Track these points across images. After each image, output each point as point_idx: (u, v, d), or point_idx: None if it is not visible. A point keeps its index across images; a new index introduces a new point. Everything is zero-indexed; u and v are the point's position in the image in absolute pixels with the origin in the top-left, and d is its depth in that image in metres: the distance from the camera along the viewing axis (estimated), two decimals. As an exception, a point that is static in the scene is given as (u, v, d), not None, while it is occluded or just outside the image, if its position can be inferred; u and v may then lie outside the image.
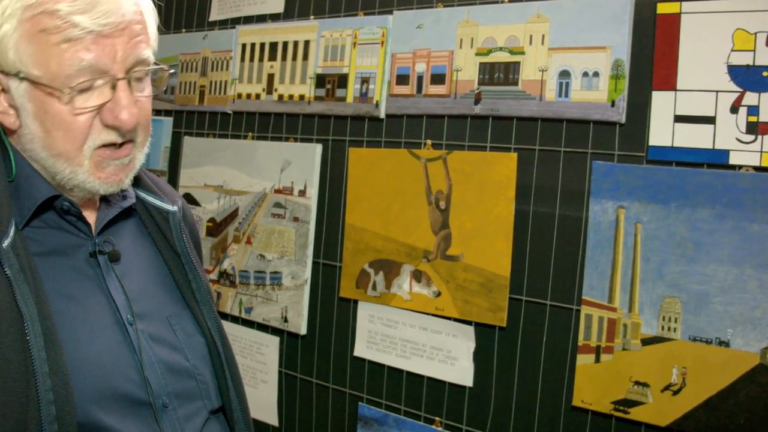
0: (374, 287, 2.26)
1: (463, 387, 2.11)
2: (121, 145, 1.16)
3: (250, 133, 2.64)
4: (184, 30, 2.90)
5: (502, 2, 2.03)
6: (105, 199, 1.25)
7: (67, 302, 1.13)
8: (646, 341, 1.77)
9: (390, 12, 2.26)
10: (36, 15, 1.06)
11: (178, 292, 1.32)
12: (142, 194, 1.32)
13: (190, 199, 2.76)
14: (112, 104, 1.11)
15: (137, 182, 1.32)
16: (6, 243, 1.07)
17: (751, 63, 1.65)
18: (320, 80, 2.41)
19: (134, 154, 1.19)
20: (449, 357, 2.12)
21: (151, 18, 1.19)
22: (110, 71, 1.10)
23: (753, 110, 1.65)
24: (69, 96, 1.09)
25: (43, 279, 1.10)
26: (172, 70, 1.19)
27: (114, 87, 1.11)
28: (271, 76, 2.55)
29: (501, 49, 2.01)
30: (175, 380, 1.22)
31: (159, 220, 1.33)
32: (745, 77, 1.66)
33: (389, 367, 2.27)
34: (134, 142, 1.18)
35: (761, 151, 1.65)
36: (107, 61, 1.09)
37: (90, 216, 1.23)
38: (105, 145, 1.14)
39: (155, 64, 1.18)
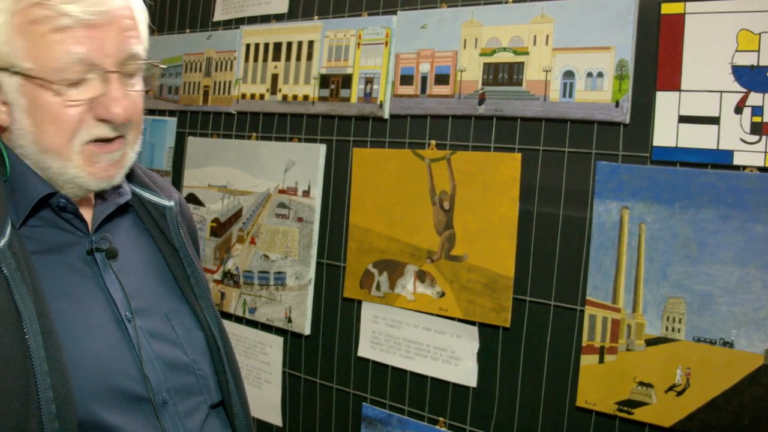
0: (378, 287, 2.26)
1: (466, 387, 2.11)
2: (111, 140, 1.16)
3: (254, 134, 2.64)
4: (188, 30, 2.90)
5: (506, 2, 2.03)
6: (100, 196, 1.25)
7: (66, 300, 1.13)
8: (650, 342, 1.77)
9: (394, 12, 2.27)
10: (27, 7, 1.07)
11: (177, 287, 1.32)
12: (138, 190, 1.32)
13: (194, 199, 2.77)
14: (104, 97, 1.12)
15: (133, 178, 1.32)
16: (3, 242, 1.07)
17: (755, 63, 1.65)
18: (324, 80, 2.41)
19: (125, 150, 1.20)
20: (453, 357, 2.12)
21: (142, 16, 1.20)
22: (102, 64, 1.11)
23: (757, 110, 1.65)
24: (60, 88, 1.10)
25: (40, 277, 1.10)
26: (163, 66, 1.20)
27: (106, 80, 1.12)
28: (275, 77, 2.56)
29: (505, 49, 2.01)
30: (175, 376, 1.22)
31: (156, 215, 1.33)
32: (750, 77, 1.66)
33: (393, 368, 2.27)
34: (125, 138, 1.18)
35: (765, 152, 1.65)
36: (98, 54, 1.10)
37: (86, 213, 1.23)
38: (96, 140, 1.14)
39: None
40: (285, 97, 2.52)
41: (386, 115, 2.27)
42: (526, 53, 1.97)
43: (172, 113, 2.94)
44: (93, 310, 1.16)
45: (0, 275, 1.05)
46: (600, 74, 1.85)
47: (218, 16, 2.81)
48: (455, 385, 2.14)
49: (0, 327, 1.02)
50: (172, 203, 1.34)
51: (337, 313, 2.41)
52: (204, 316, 1.32)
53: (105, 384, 1.12)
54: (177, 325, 1.27)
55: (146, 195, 1.33)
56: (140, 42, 1.17)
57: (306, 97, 2.46)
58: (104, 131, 1.14)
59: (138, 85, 1.19)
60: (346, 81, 2.35)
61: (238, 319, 2.65)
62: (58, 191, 1.16)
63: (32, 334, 1.03)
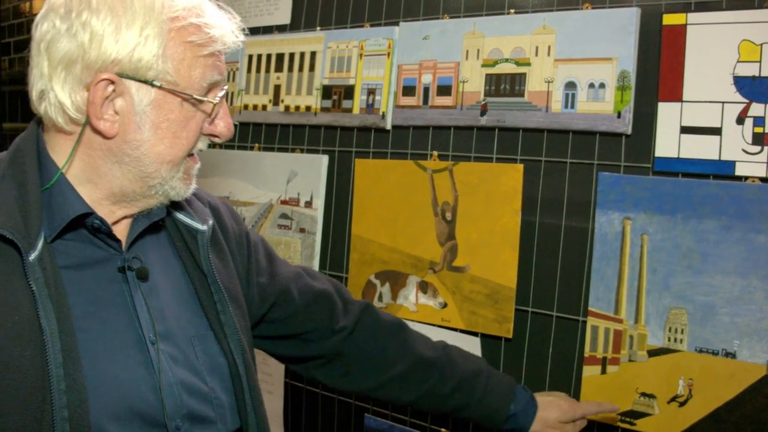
0: (380, 298, 2.26)
1: (469, 398, 2.10)
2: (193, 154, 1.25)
3: (256, 144, 2.65)
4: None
5: (508, 14, 2.04)
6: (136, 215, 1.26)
7: (91, 318, 1.13)
8: (653, 352, 1.77)
9: (396, 23, 2.27)
10: (185, 26, 1.14)
11: (203, 313, 1.31)
12: (173, 211, 1.32)
13: (196, 209, 2.77)
14: (216, 117, 1.24)
15: None
16: (33, 256, 1.07)
17: (757, 74, 1.65)
18: (326, 91, 2.42)
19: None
20: (455, 368, 2.11)
21: None
22: (222, 88, 1.23)
23: (759, 121, 1.65)
24: (198, 105, 1.18)
25: (68, 293, 1.10)
26: (225, 87, 1.27)
27: (219, 102, 1.23)
28: (277, 87, 2.56)
29: (507, 60, 2.01)
30: (192, 403, 1.21)
31: (188, 238, 1.32)
32: (751, 88, 1.66)
33: (395, 378, 2.26)
34: None
35: (767, 162, 1.65)
36: (223, 78, 1.22)
37: (121, 232, 1.23)
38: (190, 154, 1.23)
39: None
40: (287, 107, 2.53)
41: (388, 126, 2.28)
42: (528, 64, 1.98)
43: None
44: (117, 330, 1.16)
45: (27, 289, 1.05)
46: (602, 85, 1.85)
47: (221, 27, 2.82)
48: (457, 396, 2.13)
49: (22, 341, 1.03)
50: (205, 228, 1.33)
51: (339, 324, 2.41)
52: (228, 345, 1.30)
53: (121, 405, 1.12)
54: (200, 351, 1.27)
55: (180, 216, 1.33)
56: None
57: (308, 108, 2.47)
58: (204, 145, 1.24)
59: None
60: (349, 92, 2.36)
61: (240, 330, 2.65)
62: (94, 212, 1.16)
63: (52, 352, 1.04)
